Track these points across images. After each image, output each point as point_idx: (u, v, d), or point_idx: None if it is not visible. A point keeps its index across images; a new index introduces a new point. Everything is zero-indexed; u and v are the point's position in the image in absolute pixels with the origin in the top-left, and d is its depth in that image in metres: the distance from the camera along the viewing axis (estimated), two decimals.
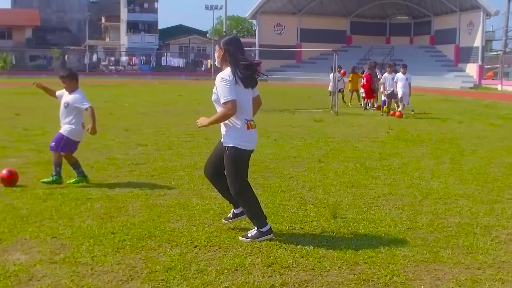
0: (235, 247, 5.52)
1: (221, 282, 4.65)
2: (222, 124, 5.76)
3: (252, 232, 5.82)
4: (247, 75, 5.65)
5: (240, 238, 5.79)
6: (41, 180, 8.17)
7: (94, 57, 77.79)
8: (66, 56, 77.74)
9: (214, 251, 5.41)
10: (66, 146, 8.27)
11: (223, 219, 6.29)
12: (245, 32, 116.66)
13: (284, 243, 5.68)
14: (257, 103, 6.07)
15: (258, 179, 8.74)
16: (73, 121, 8.32)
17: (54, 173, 8.20)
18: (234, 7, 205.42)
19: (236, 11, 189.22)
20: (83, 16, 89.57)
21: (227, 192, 6.00)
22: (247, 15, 73.49)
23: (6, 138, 12.93)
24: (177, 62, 78.29)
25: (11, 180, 7.98)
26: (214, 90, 5.70)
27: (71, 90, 8.39)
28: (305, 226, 6.34)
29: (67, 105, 8.30)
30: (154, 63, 78.99)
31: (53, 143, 8.26)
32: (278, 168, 9.75)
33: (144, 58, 78.84)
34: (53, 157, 8.27)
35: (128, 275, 4.77)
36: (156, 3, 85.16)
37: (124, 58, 78.76)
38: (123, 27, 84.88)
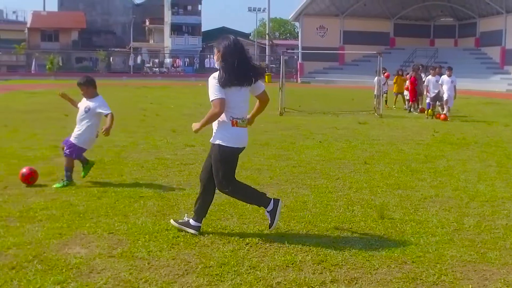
0: (285, 245, 5.66)
1: (273, 278, 4.81)
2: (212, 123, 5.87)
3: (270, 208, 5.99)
4: (238, 76, 5.74)
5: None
6: (53, 186, 8.20)
7: (138, 59, 78.81)
8: (111, 58, 78.98)
9: (265, 249, 5.57)
10: (78, 153, 8.50)
11: (171, 220, 6.28)
12: (288, 34, 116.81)
13: (333, 242, 5.81)
14: (262, 99, 6.17)
15: (305, 180, 8.88)
16: (89, 128, 8.47)
17: (65, 178, 8.31)
18: (277, 9, 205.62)
19: (279, 13, 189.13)
20: (127, 19, 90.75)
21: (203, 204, 6.14)
22: (290, 17, 73.63)
23: (57, 137, 13.23)
24: None
25: (29, 178, 8.17)
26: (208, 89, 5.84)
27: (90, 97, 8.52)
28: (353, 226, 6.45)
29: (88, 110, 8.42)
30: (197, 65, 79.68)
31: (68, 150, 8.42)
32: (324, 169, 9.87)
33: (187, 60, 79.57)
34: (66, 163, 8.40)
35: (184, 270, 4.97)
36: (199, 6, 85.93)
37: (168, 60, 79.63)
38: (167, 29, 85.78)
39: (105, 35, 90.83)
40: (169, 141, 13.17)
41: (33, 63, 74.78)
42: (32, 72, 69.73)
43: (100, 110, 8.38)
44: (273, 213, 5.97)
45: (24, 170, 8.21)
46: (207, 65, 78.80)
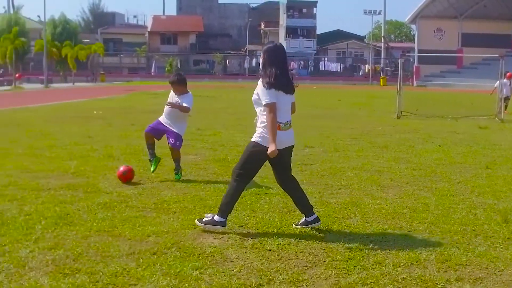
0: (409, 244, 5.80)
1: (398, 274, 4.97)
2: (257, 123, 6.09)
3: (209, 217, 6.18)
4: (279, 82, 5.93)
5: (196, 221, 6.19)
6: (175, 178, 8.83)
7: (253, 62, 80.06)
8: (227, 60, 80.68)
9: (389, 246, 5.73)
10: (181, 143, 9.06)
11: (293, 224, 6.41)
12: (403, 37, 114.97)
13: (456, 243, 5.89)
14: (293, 110, 6.40)
15: (426, 183, 8.93)
16: (184, 120, 9.14)
17: (179, 169, 8.94)
18: (393, 12, 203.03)
19: (395, 15, 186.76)
20: (243, 22, 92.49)
21: (300, 200, 6.33)
22: (406, 20, 72.77)
23: (183, 137, 13.89)
24: (335, 67, 78.88)
25: (123, 174, 8.55)
26: (255, 90, 6.03)
27: (181, 93, 9.01)
28: (476, 228, 6.48)
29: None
30: (311, 67, 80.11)
31: (177, 143, 8.94)
32: (445, 173, 9.86)
33: (302, 62, 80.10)
34: (176, 155, 8.96)
35: (312, 262, 5.23)
36: (314, 9, 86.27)
37: None
38: (282, 32, 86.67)
39: (222, 38, 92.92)
40: None
41: (153, 65, 77.71)
42: (152, 74, 72.50)
43: (185, 104, 8.88)
44: (211, 222, 6.12)
45: (122, 168, 8.69)
46: (321, 68, 79.09)
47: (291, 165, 6.57)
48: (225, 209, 6.17)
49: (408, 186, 8.68)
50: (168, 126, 8.99)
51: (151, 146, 9.07)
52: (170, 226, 6.28)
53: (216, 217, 6.12)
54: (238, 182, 6.17)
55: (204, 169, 9.82)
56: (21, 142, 12.89)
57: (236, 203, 6.33)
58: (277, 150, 5.89)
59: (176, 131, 8.97)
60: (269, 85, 5.91)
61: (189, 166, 9.90)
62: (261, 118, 6.04)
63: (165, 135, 9.01)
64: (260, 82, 6.03)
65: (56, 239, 5.77)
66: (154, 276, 4.79)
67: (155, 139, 9.12)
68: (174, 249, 5.50)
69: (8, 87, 49.50)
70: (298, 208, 6.42)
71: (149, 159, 9.12)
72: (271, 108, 5.85)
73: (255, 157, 6.11)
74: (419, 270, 5.08)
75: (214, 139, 13.76)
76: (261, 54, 6.18)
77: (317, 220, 6.26)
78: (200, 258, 5.28)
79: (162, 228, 6.18)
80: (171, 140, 8.93)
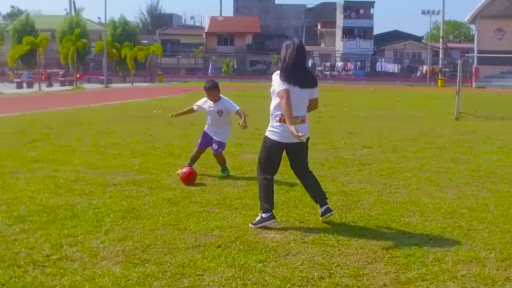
0: (468, 242, 5.86)
1: (457, 271, 5.05)
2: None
3: (258, 218, 6.35)
4: (292, 76, 6.16)
5: (249, 225, 6.33)
6: (221, 175, 9.16)
7: (310, 62, 79.95)
8: None
9: (449, 244, 5.81)
10: (223, 149, 9.39)
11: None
12: (462, 37, 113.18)
13: None
14: (312, 105, 6.52)
15: (485, 184, 8.91)
16: (229, 127, 9.43)
17: (225, 169, 9.29)
18: (452, 12, 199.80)
19: (454, 15, 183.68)
20: (300, 23, 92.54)
21: (314, 191, 6.66)
22: (465, 20, 71.64)
23: (240, 136, 14.10)
24: (392, 67, 78.20)
25: (188, 177, 8.64)
26: (272, 83, 6.29)
27: (216, 100, 9.22)
28: None
29: (221, 113, 9.19)
30: (368, 68, 79.62)
31: (220, 149, 9.27)
32: (505, 174, 9.80)
33: (359, 63, 79.72)
34: (220, 159, 9.31)
35: (372, 258, 5.35)
36: (372, 9, 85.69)
37: (339, 64, 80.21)
38: (338, 33, 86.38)
39: (278, 39, 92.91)
40: (346, 142, 13.59)
41: (210, 66, 78.41)
42: (209, 74, 73.14)
43: (230, 109, 9.19)
44: (260, 221, 6.30)
45: (184, 169, 8.83)
46: (378, 69, 78.51)
47: (307, 160, 6.74)
48: (264, 205, 6.39)
49: (467, 187, 8.69)
50: (214, 136, 9.31)
51: (195, 160, 9.46)
52: (233, 221, 6.50)
53: (263, 215, 6.33)
54: (263, 177, 6.49)
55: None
56: (85, 140, 13.33)
57: (273, 197, 6.53)
58: (279, 142, 6.29)
59: (220, 140, 9.28)
60: (283, 78, 6.18)
61: (249, 164, 10.11)
62: (272, 110, 6.34)
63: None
64: (273, 76, 6.36)
65: (125, 231, 6.05)
66: (220, 267, 5.00)
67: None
68: (237, 243, 5.70)
69: (70, 87, 50.78)
70: (314, 199, 6.72)
71: (189, 164, 9.37)
72: (282, 94, 6.09)
73: (268, 150, 6.43)
74: (478, 267, 5.15)
75: None
76: (281, 50, 6.47)
77: (328, 210, 6.48)
78: (263, 251, 5.47)
79: (225, 223, 6.40)
80: (214, 146, 9.26)
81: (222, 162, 9.35)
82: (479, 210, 7.22)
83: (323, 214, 6.49)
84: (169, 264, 5.06)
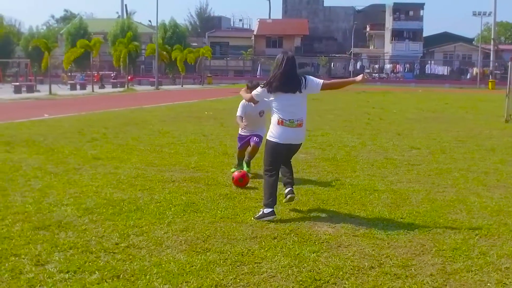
0: None
1: (501, 264, 5.32)
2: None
3: (260, 212, 6.81)
4: (277, 84, 6.87)
5: (253, 218, 6.76)
6: (246, 169, 9.45)
7: (358, 65, 79.94)
8: (331, 63, 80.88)
9: (494, 240, 6.07)
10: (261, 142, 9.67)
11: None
12: None
13: None
14: (331, 84, 7.40)
15: None
16: (264, 126, 9.56)
17: (249, 164, 9.68)
18: (504, 13, 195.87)
19: (506, 16, 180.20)
20: (348, 25, 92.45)
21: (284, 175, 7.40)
22: None
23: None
24: (441, 70, 77.52)
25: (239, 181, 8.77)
26: None
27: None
28: None
29: (263, 114, 9.56)
30: (417, 70, 79.03)
31: (260, 143, 9.53)
32: None
33: (407, 65, 79.21)
34: (254, 153, 9.62)
35: (420, 250, 5.66)
36: (421, 11, 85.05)
37: (387, 66, 79.89)
38: (387, 35, 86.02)
39: (327, 41, 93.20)
40: (395, 143, 13.82)
41: (258, 68, 78.94)
42: (257, 76, 73.51)
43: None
44: (261, 216, 6.72)
45: (240, 175, 8.92)
46: (427, 71, 77.88)
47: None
48: (267, 201, 6.84)
49: None
50: (250, 133, 9.66)
51: (242, 158, 9.85)
52: (287, 216, 6.87)
53: (265, 210, 6.76)
54: (266, 176, 7.02)
55: (314, 166, 10.36)
56: (142, 139, 13.87)
57: (276, 194, 6.96)
58: (278, 143, 6.90)
59: (261, 134, 9.60)
60: (264, 85, 7.06)
61: (301, 164, 10.45)
62: (271, 117, 7.05)
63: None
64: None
65: (186, 223, 6.47)
66: (276, 256, 5.37)
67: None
68: (292, 235, 6.07)
69: (121, 89, 51.82)
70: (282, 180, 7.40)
71: (237, 166, 9.81)
72: (251, 98, 7.57)
73: (269, 151, 7.01)
74: None
75: (322, 140, 14.25)
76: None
77: (290, 192, 7.23)
78: (316, 243, 5.83)
79: (279, 217, 6.77)
80: (256, 139, 9.59)
81: (252, 156, 9.65)
82: None
83: (286, 195, 7.26)
84: (229, 253, 5.46)
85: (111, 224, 6.38)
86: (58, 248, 5.54)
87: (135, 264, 5.14)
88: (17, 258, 5.24)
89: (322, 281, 4.80)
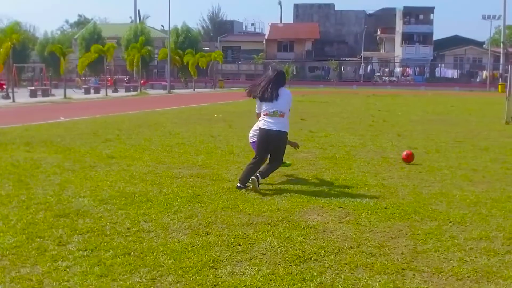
0: (483, 225, 6.80)
1: (467, 245, 6.02)
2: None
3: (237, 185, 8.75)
4: (258, 95, 9.16)
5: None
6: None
7: (369, 68, 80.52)
8: (342, 67, 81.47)
9: (465, 226, 6.77)
10: None
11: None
12: None
13: None
14: None
15: None
16: None
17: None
18: None
19: None
20: (359, 29, 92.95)
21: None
22: None
23: (297, 137, 15.19)
24: (451, 73, 77.92)
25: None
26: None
27: None
28: None
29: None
30: (427, 74, 79.47)
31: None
32: None
33: (418, 69, 79.69)
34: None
35: (396, 235, 6.38)
36: (432, 15, 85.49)
37: (398, 69, 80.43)
38: (398, 38, 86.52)
39: (338, 45, 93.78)
40: (394, 143, 14.52)
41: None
42: None
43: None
44: (239, 188, 8.64)
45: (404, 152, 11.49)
46: (437, 74, 78.27)
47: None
48: (242, 175, 8.76)
49: (497, 182, 9.53)
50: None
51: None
52: (282, 206, 7.62)
53: (239, 184, 8.65)
54: (252, 161, 9.03)
55: (313, 164, 11.09)
56: (154, 140, 14.67)
57: (247, 171, 8.79)
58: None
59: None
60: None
61: (300, 162, 11.19)
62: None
63: None
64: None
65: (191, 211, 7.23)
66: (268, 239, 6.13)
67: None
68: (284, 222, 6.82)
69: (134, 93, 52.77)
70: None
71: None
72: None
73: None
74: (486, 243, 6.11)
75: (325, 140, 14.98)
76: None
77: (256, 177, 8.60)
78: (304, 228, 6.57)
79: (275, 207, 7.53)
80: None
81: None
82: (501, 201, 8.10)
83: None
84: (226, 235, 6.21)
85: (123, 213, 7.14)
86: (77, 231, 6.32)
87: (144, 244, 5.90)
88: (41, 239, 6.02)
89: (305, 258, 5.54)
